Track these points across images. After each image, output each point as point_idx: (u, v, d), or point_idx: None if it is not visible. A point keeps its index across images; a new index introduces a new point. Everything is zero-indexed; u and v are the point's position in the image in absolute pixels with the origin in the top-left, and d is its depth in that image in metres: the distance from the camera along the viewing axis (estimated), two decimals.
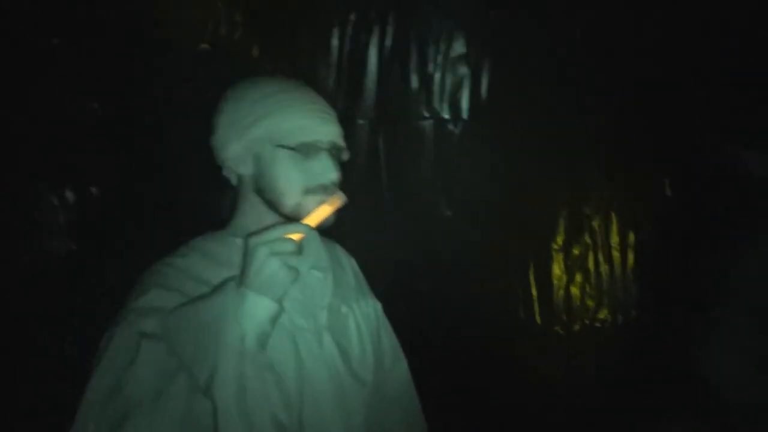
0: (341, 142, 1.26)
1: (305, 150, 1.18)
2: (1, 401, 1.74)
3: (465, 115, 2.18)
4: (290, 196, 1.19)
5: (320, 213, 1.15)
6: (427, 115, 2.18)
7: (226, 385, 1.00)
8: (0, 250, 1.79)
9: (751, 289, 1.42)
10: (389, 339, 1.46)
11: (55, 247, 1.82)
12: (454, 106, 2.19)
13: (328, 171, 1.20)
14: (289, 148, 1.18)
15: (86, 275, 1.81)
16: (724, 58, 2.09)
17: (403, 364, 1.47)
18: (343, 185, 1.23)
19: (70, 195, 1.84)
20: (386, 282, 1.54)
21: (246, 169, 1.22)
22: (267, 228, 1.09)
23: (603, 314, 2.30)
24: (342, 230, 1.32)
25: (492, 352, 2.19)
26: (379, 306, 1.45)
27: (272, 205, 1.21)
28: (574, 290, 2.28)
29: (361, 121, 2.11)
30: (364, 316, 1.37)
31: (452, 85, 2.17)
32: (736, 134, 2.11)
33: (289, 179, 1.18)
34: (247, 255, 1.07)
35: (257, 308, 1.04)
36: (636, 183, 2.28)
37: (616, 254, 2.30)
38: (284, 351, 1.15)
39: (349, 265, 1.45)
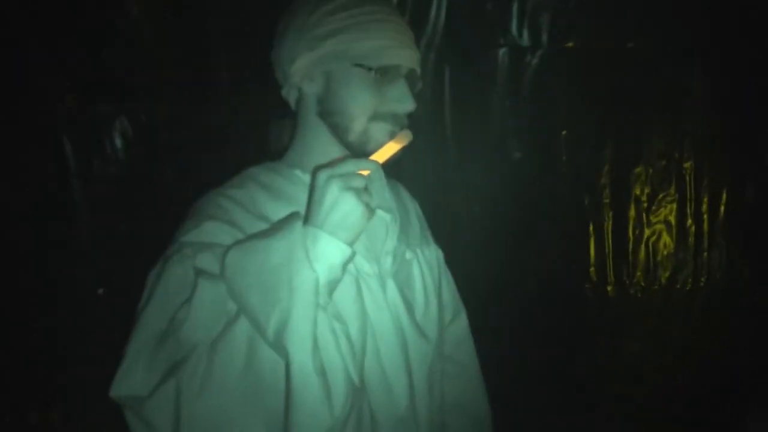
0: (419, 70, 1.13)
1: (384, 73, 1.06)
2: None
3: (545, 43, 1.94)
4: (359, 121, 1.06)
5: (388, 149, 1.04)
6: (502, 42, 1.95)
7: (302, 337, 0.86)
8: None
9: None
10: (450, 289, 1.36)
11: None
12: (534, 33, 1.95)
13: (404, 99, 1.07)
14: (367, 69, 1.04)
15: None
16: None
17: (464, 317, 1.39)
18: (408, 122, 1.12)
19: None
20: (444, 228, 1.42)
21: (312, 87, 1.09)
22: (334, 162, 0.97)
23: (684, 275, 2.08)
24: (398, 171, 1.16)
25: (558, 313, 2.02)
26: (441, 253, 1.34)
27: (337, 130, 1.09)
28: (657, 246, 2.06)
29: (424, 50, 1.90)
30: (428, 265, 1.26)
31: (533, 8, 1.93)
32: None
33: (362, 102, 1.06)
34: (316, 190, 0.94)
35: (329, 251, 0.91)
36: (737, 135, 2.01)
37: (705, 209, 2.06)
38: (349, 298, 1.03)
39: (413, 207, 1.34)
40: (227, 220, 1.02)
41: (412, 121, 1.12)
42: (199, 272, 0.93)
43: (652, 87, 1.96)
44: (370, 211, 0.95)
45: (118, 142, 1.77)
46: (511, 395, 1.68)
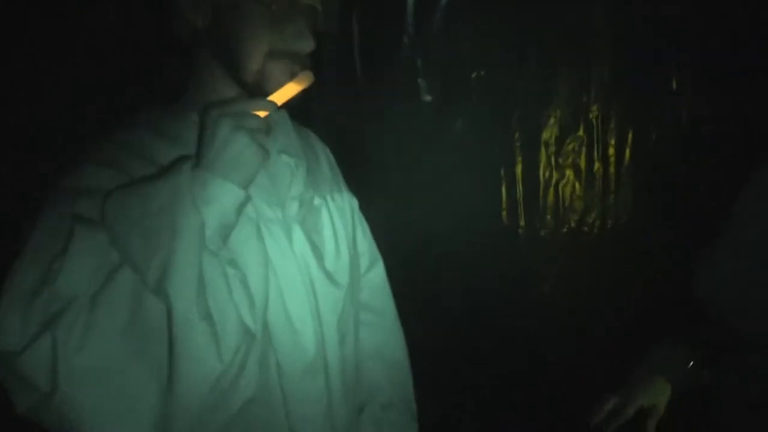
0: (319, 7, 1.06)
1: (280, 6, 1.00)
2: None
3: None
4: (254, 58, 0.99)
5: (287, 91, 0.99)
6: None
7: (184, 282, 0.83)
8: None
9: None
10: (365, 237, 1.33)
11: None
12: None
13: (302, 37, 1.01)
14: (262, 4, 0.98)
15: None
16: None
17: (380, 266, 1.36)
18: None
19: None
20: (355, 177, 1.38)
21: (203, 21, 1.01)
22: (228, 101, 0.94)
23: (591, 218, 2.13)
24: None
25: (474, 255, 2.04)
26: (355, 202, 1.30)
27: (232, 68, 1.02)
28: (564, 190, 2.10)
29: None
30: (340, 211, 1.22)
31: None
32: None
33: (257, 38, 0.99)
34: (206, 130, 0.91)
35: (220, 193, 0.88)
36: (642, 79, 2.06)
37: (611, 153, 2.11)
38: (248, 244, 0.99)
39: (324, 153, 1.29)
40: (110, 163, 0.94)
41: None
42: (76, 219, 0.86)
43: (561, 30, 1.97)
44: (265, 152, 0.91)
45: None
46: (426, 339, 1.69)
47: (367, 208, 1.34)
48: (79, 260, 0.84)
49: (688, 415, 1.35)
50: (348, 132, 1.89)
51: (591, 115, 2.08)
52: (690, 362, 1.33)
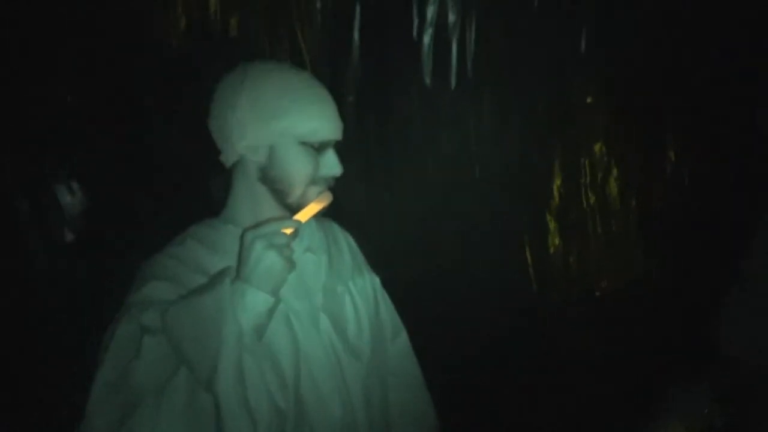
0: (341, 137, 1.29)
1: (321, 146, 1.23)
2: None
3: (453, 81, 2.12)
4: (300, 187, 1.22)
5: (310, 210, 1.21)
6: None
7: (227, 378, 1.04)
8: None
9: None
10: (388, 312, 1.50)
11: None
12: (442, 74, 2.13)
13: (335, 166, 1.25)
14: (310, 145, 1.22)
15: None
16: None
17: (403, 336, 1.51)
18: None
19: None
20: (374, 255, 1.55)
21: (256, 157, 1.23)
22: (261, 223, 1.15)
23: (605, 281, 2.27)
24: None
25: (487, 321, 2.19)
26: (377, 280, 1.48)
27: (278, 194, 1.24)
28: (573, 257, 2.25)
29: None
30: (361, 293, 1.40)
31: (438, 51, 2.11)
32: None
33: (304, 172, 1.22)
34: (243, 249, 1.11)
35: (255, 302, 1.09)
36: (638, 144, 2.21)
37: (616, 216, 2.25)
38: (280, 333, 1.19)
39: (345, 241, 1.47)
40: (168, 277, 1.17)
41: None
42: (145, 329, 1.08)
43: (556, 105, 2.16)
44: (292, 263, 1.12)
45: None
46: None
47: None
48: (146, 363, 1.06)
49: None
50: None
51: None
52: (706, 407, 1.37)
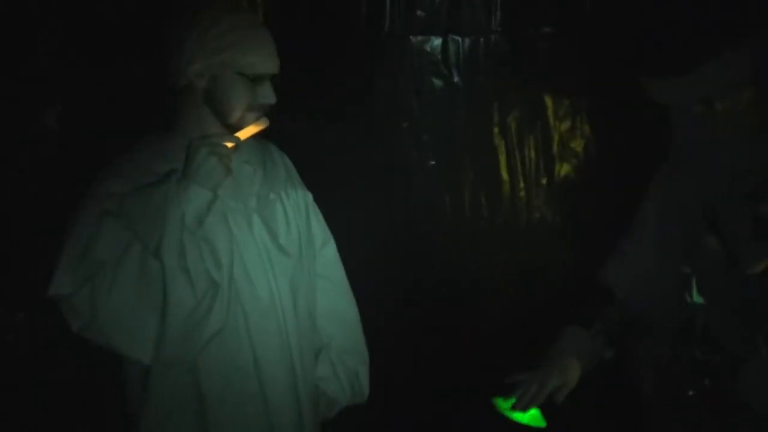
0: (278, 71, 1.50)
1: (257, 78, 1.45)
2: None
3: None
4: (237, 110, 1.46)
5: (249, 131, 1.47)
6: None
7: (170, 248, 1.32)
8: None
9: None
10: (319, 224, 1.75)
11: None
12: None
13: (269, 96, 1.47)
14: (245, 76, 1.43)
15: None
16: None
17: (332, 244, 1.77)
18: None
19: None
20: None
21: (202, 83, 1.45)
22: (207, 137, 1.40)
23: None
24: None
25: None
26: (309, 196, 1.72)
27: (220, 115, 1.47)
28: None
29: None
30: (293, 203, 1.63)
31: None
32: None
33: (240, 99, 1.45)
34: (190, 153, 1.36)
35: (197, 195, 1.34)
36: None
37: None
38: (218, 226, 1.44)
39: (281, 160, 1.70)
40: (124, 175, 1.42)
41: None
42: (107, 212, 1.35)
43: None
44: (229, 169, 1.37)
45: None
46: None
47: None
48: (106, 239, 1.33)
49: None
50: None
51: None
52: (596, 342, 1.47)
